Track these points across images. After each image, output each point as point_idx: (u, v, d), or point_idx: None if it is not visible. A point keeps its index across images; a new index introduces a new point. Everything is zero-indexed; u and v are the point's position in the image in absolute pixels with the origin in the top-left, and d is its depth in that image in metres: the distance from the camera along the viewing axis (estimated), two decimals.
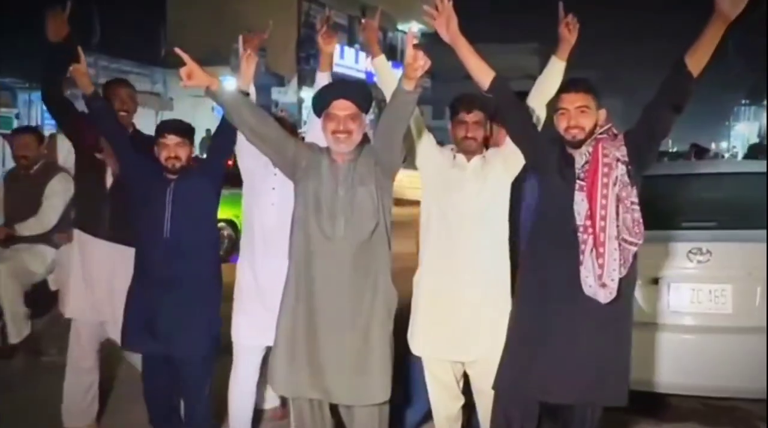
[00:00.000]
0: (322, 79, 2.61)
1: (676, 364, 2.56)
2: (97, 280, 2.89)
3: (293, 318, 2.18)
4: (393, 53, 20.77)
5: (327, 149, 2.18)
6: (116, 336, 2.79)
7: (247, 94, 2.37)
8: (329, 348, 2.14)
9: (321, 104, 2.15)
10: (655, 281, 2.84)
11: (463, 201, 2.36)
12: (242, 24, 14.38)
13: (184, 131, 2.68)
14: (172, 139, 2.56)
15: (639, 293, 2.84)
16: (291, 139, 2.23)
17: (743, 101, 15.89)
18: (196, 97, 13.07)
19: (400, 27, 21.24)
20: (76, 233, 2.96)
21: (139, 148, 2.71)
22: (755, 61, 17.42)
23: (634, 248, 2.06)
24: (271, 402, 3.00)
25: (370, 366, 2.17)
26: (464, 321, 2.34)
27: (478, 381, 2.38)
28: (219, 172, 2.68)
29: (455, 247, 2.38)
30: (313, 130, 2.44)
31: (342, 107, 2.10)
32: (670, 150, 9.40)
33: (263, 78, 15.00)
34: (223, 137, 2.59)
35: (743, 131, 16.98)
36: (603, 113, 2.15)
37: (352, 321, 2.15)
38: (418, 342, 2.40)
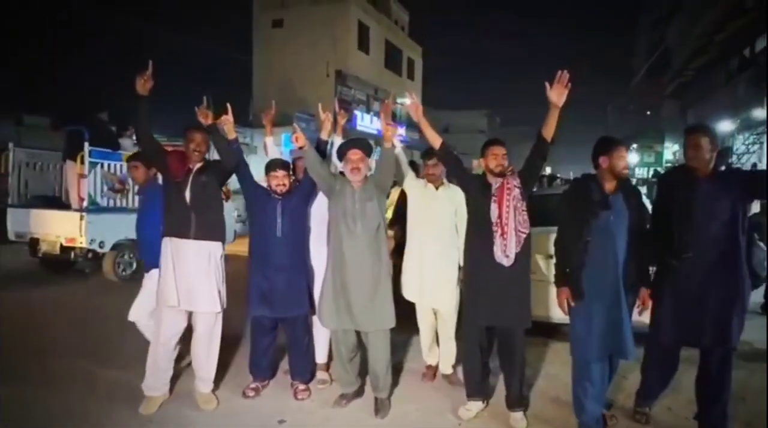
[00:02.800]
0: (338, 139, 3.76)
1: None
2: (185, 274, 3.26)
3: (333, 280, 3.25)
4: (395, 117, 27.51)
5: (347, 178, 3.25)
6: (197, 319, 3.33)
7: (326, 142, 3.61)
8: (356, 296, 3.20)
9: (342, 152, 3.29)
10: (550, 256, 3.96)
11: (432, 212, 3.64)
12: (302, 99, 20.12)
13: (286, 166, 3.52)
14: (280, 172, 3.44)
15: (542, 264, 4.23)
16: (332, 175, 3.34)
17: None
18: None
19: (399, 100, 27.71)
20: (168, 238, 3.30)
21: (207, 169, 3.31)
22: (625, 122, 24.04)
23: (524, 235, 3.08)
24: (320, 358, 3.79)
25: (381, 305, 3.23)
26: (432, 280, 3.60)
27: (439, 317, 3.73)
28: (307, 194, 3.54)
29: (426, 239, 3.64)
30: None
31: (354, 154, 3.23)
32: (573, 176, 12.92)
33: (313, 134, 20.27)
34: (308, 176, 3.42)
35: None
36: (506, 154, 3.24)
37: (369, 279, 3.20)
38: (407, 292, 3.71)
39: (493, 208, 3.10)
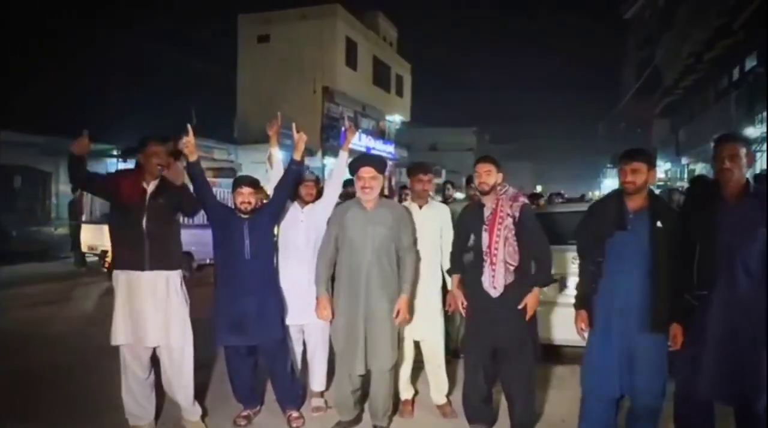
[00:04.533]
0: (344, 154, 3.70)
1: (571, 327, 2.93)
2: (140, 309, 3.07)
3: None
4: (383, 134, 26.80)
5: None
6: (163, 356, 3.15)
7: (299, 163, 3.39)
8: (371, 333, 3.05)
9: (354, 168, 3.08)
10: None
11: (416, 234, 3.32)
12: (286, 116, 19.71)
13: (254, 183, 3.33)
14: (245, 189, 3.26)
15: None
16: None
17: (608, 165, 22.81)
18: (255, 164, 16.30)
19: (387, 117, 27.03)
20: (120, 272, 3.13)
21: (165, 189, 3.15)
22: (616, 140, 24.49)
23: (512, 267, 2.96)
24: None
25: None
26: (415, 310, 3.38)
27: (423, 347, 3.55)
28: (276, 213, 3.41)
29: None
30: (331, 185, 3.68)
31: (366, 171, 3.04)
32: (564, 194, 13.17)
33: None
34: (280, 191, 3.35)
35: (609, 184, 24.32)
36: (501, 175, 3.05)
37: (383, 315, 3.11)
38: None
39: (485, 237, 3.05)
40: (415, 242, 3.26)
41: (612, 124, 33.08)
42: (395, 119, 27.75)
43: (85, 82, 17.50)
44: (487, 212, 3.08)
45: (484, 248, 3.03)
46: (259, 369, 3.53)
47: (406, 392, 3.66)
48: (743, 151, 2.45)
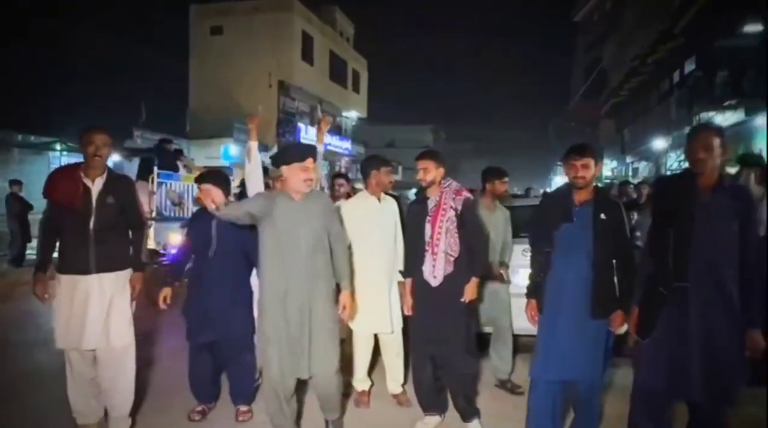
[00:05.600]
0: (320, 147, 3.69)
1: (518, 315, 3.28)
2: (82, 313, 2.92)
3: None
4: (339, 130, 26.71)
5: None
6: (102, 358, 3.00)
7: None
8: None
9: (294, 158, 2.77)
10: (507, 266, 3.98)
11: (375, 226, 3.51)
12: (240, 110, 19.56)
13: (218, 178, 3.24)
14: (204, 186, 3.14)
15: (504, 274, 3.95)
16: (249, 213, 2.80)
17: (558, 163, 23.76)
18: (209, 158, 16.24)
19: (344, 113, 27.09)
20: (63, 276, 2.96)
21: (113, 187, 3.00)
22: (565, 139, 25.56)
23: (452, 258, 3.07)
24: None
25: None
26: (373, 303, 3.45)
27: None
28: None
29: (367, 257, 3.46)
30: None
31: (311, 163, 2.83)
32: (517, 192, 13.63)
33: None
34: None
35: (558, 181, 25.41)
36: (441, 170, 3.19)
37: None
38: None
39: (427, 228, 3.15)
40: (342, 229, 3.14)
41: (562, 123, 34.28)
42: (352, 115, 27.73)
43: (27, 73, 16.60)
44: (431, 205, 3.19)
45: (426, 238, 3.12)
46: (218, 367, 3.51)
47: (362, 383, 3.68)
48: (717, 141, 2.41)
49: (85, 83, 17.89)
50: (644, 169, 18.69)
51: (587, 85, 27.71)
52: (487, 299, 3.84)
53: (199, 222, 3.37)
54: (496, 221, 3.92)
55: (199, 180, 3.28)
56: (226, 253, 3.25)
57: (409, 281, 3.31)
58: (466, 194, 3.18)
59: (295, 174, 2.81)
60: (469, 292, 3.11)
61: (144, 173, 9.21)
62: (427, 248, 3.12)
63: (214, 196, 2.86)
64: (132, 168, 9.73)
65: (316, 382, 2.92)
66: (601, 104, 26.63)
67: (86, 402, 3.10)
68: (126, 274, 3.12)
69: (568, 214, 2.74)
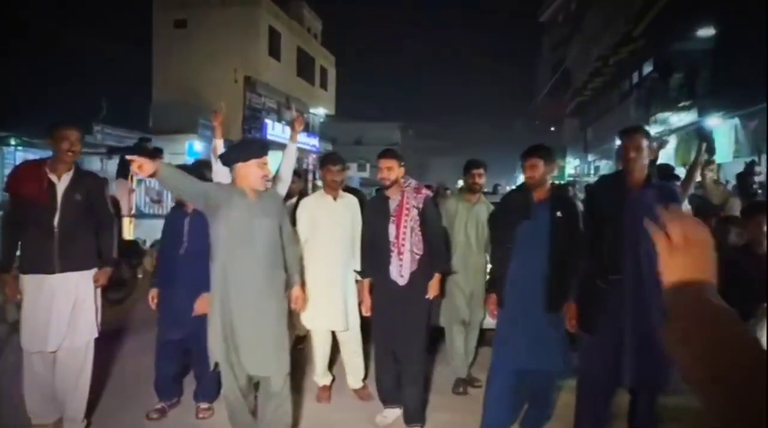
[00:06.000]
0: (292, 146, 3.59)
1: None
2: (46, 313, 2.88)
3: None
4: (307, 127, 26.99)
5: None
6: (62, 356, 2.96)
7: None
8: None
9: (250, 155, 2.68)
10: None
11: (331, 224, 3.51)
12: (205, 106, 19.22)
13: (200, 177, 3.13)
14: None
15: None
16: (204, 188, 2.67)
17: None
18: (172, 155, 15.27)
19: (312, 110, 26.77)
20: (27, 276, 2.90)
21: (81, 183, 2.96)
22: (531, 137, 26.18)
23: (418, 256, 3.13)
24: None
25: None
26: (329, 301, 3.46)
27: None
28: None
29: (322, 255, 3.49)
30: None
31: (266, 160, 2.77)
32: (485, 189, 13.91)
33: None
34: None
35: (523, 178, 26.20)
36: (402, 170, 3.19)
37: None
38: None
39: (391, 228, 3.15)
40: (293, 227, 3.19)
41: (528, 121, 34.90)
42: (319, 111, 27.55)
43: None
44: (393, 205, 3.19)
45: (391, 238, 3.14)
46: (183, 365, 3.56)
47: (322, 378, 3.73)
48: (645, 143, 2.60)
49: (41, 76, 17.22)
50: (605, 167, 19.18)
51: (552, 84, 28.28)
52: (463, 295, 3.85)
53: (172, 220, 3.40)
54: (478, 213, 3.87)
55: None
56: (197, 252, 3.19)
57: (367, 281, 3.34)
58: (425, 191, 3.25)
59: (252, 171, 2.72)
60: (434, 288, 3.19)
61: (124, 172, 9.36)
62: (392, 248, 3.15)
63: (141, 163, 2.44)
64: (111, 167, 9.99)
65: (268, 381, 2.85)
66: (566, 103, 27.20)
67: (43, 403, 3.03)
68: (91, 273, 3.08)
69: (527, 211, 2.87)
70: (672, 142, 12.29)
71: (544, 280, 2.79)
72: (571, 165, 26.64)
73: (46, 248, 2.89)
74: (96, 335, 3.13)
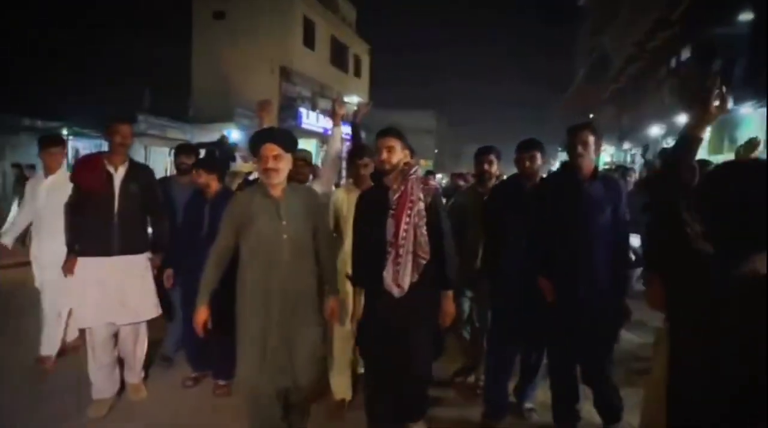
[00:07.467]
0: (337, 130, 3.51)
1: None
2: (106, 292, 3.14)
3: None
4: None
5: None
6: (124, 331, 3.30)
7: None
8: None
9: (255, 146, 2.52)
10: None
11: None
12: (241, 95, 19.75)
13: (208, 166, 3.44)
14: (195, 171, 3.41)
15: None
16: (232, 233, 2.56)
17: (559, 148, 24.11)
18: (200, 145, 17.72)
19: (345, 98, 27.64)
20: (86, 258, 3.16)
21: (135, 174, 3.22)
22: (567, 124, 25.68)
23: (423, 262, 2.50)
24: None
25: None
26: None
27: None
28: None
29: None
30: None
31: (269, 149, 2.45)
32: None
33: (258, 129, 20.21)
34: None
35: (557, 164, 25.88)
36: (407, 153, 2.65)
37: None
38: None
39: (390, 224, 2.54)
40: (331, 229, 2.85)
41: (564, 108, 34.21)
42: (353, 100, 27.82)
43: (35, 61, 16.83)
44: (393, 196, 2.57)
45: (389, 237, 2.53)
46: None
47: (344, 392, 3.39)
48: (592, 139, 2.81)
49: (90, 68, 18.08)
50: (641, 156, 18.82)
51: (589, 71, 27.69)
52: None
53: (191, 206, 3.54)
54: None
55: (196, 165, 3.54)
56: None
57: (359, 290, 2.82)
58: (433, 183, 3.09)
59: (260, 165, 2.52)
60: (448, 312, 2.66)
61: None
62: (389, 249, 2.53)
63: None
64: (154, 156, 10.51)
65: (294, 393, 2.67)
66: (602, 90, 26.64)
67: (106, 378, 3.33)
68: (145, 256, 3.39)
69: (521, 201, 3.10)
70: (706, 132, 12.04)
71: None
72: (607, 153, 26.18)
73: (105, 232, 3.16)
74: (155, 313, 3.46)
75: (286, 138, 2.60)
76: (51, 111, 14.43)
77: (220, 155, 10.91)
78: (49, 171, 3.89)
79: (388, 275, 2.53)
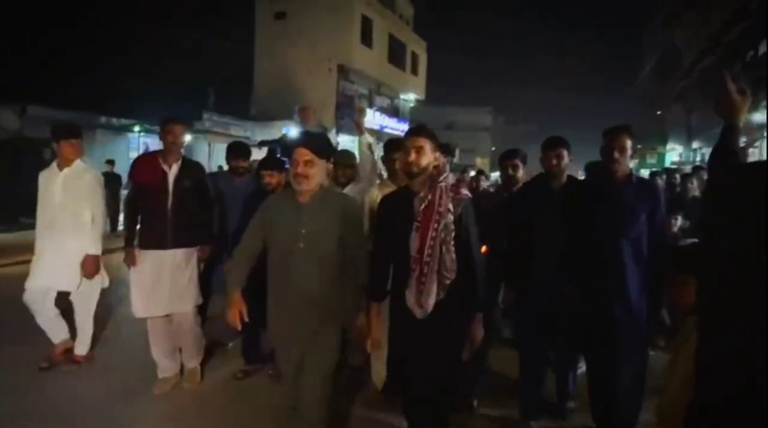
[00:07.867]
0: (362, 139, 3.59)
1: None
2: (162, 283, 3.31)
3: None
4: (397, 112, 27.31)
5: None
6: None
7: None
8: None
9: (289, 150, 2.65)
10: None
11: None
12: (302, 95, 20.20)
13: (277, 166, 3.49)
14: (268, 172, 3.45)
15: None
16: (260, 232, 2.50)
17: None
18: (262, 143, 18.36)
19: (402, 96, 27.44)
20: (144, 251, 3.32)
21: (187, 172, 3.35)
22: (632, 122, 24.58)
23: (448, 281, 2.24)
24: None
25: None
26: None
27: None
28: None
29: None
30: None
31: (301, 154, 2.39)
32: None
33: (316, 128, 20.58)
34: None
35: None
36: (438, 156, 2.35)
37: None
38: None
39: (414, 238, 2.29)
40: (363, 237, 2.64)
41: (629, 105, 32.90)
42: (410, 97, 27.93)
43: (107, 60, 17.97)
44: (419, 205, 2.31)
45: (413, 252, 2.28)
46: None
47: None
48: (629, 143, 2.75)
49: (158, 69, 19.09)
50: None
51: (659, 66, 26.43)
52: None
53: (257, 200, 3.55)
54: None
55: (265, 167, 3.56)
56: None
57: (375, 307, 2.52)
58: (464, 192, 2.42)
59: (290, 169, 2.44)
60: (476, 337, 2.43)
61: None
62: (413, 265, 2.29)
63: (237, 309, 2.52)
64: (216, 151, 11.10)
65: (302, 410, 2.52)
66: (672, 86, 25.37)
67: (168, 359, 3.55)
68: (194, 249, 3.52)
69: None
70: None
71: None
72: (676, 152, 24.93)
73: (161, 227, 3.31)
74: (200, 301, 3.61)
75: (320, 144, 2.51)
76: (124, 109, 15.33)
77: (282, 153, 11.62)
78: (65, 163, 3.71)
79: (411, 295, 2.32)
